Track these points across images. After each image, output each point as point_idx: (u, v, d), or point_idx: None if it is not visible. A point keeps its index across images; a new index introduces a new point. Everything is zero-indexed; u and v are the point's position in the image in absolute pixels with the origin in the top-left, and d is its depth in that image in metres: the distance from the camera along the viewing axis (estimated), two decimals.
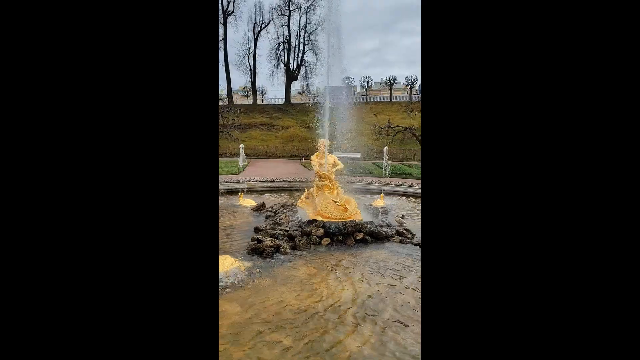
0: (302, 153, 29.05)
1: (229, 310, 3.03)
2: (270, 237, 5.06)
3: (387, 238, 5.24)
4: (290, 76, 41.56)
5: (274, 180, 12.01)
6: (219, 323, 2.79)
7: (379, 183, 12.41)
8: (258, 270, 3.98)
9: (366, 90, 42.37)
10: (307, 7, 40.64)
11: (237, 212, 7.38)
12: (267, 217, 6.67)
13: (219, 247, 4.88)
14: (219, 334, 2.63)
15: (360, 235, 5.12)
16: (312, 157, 6.88)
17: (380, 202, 8.63)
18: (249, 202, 8.37)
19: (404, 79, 41.71)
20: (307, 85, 42.70)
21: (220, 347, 2.46)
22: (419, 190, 11.02)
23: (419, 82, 41.60)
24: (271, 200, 8.87)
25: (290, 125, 36.34)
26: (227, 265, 3.89)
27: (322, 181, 6.25)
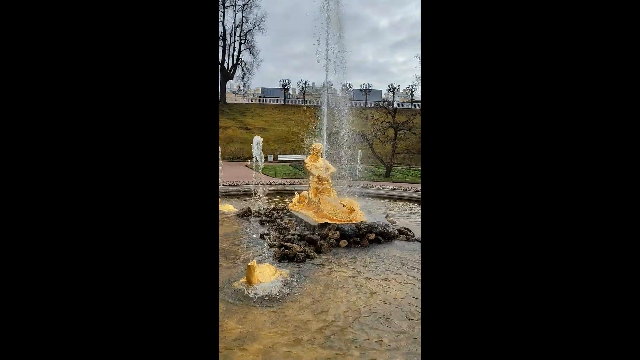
0: (246, 155, 28.15)
1: (305, 318, 2.96)
2: (286, 242, 4.97)
3: (394, 237, 5.57)
4: (226, 75, 39.86)
5: (237, 184, 11.50)
6: (307, 333, 2.73)
7: (341, 185, 12.82)
8: (297, 276, 3.92)
9: (304, 93, 42.92)
10: (243, 5, 39.52)
11: (221, 219, 6.95)
12: (262, 222, 6.45)
13: (236, 256, 4.62)
14: (313, 343, 2.59)
15: (372, 236, 5.35)
16: (306, 161, 6.88)
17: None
18: (229, 207, 7.93)
19: (339, 84, 43.35)
20: (244, 85, 41.48)
21: (330, 356, 2.44)
22: (380, 191, 11.74)
23: (352, 88, 43.71)
24: (248, 204, 8.54)
25: (228, 126, 34.81)
26: (271, 274, 3.75)
27: (322, 184, 6.31)
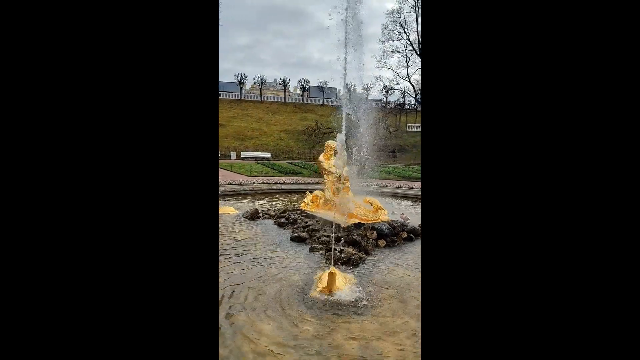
0: None
1: (405, 321, 2.87)
2: (320, 243, 4.80)
3: (420, 234, 5.68)
4: None
5: (221, 184, 10.80)
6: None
7: (317, 183, 12.77)
8: (364, 280, 3.79)
9: (260, 88, 41.81)
10: None
11: (230, 223, 6.47)
12: (280, 224, 6.13)
13: (280, 263, 4.32)
14: None
15: (404, 234, 5.40)
16: (321, 159, 6.67)
17: None
18: (230, 209, 7.42)
19: (297, 80, 43.16)
20: None
21: None
22: (364, 188, 11.89)
23: (309, 85, 43.63)
24: (246, 206, 8.07)
25: None
26: (343, 280, 3.56)
27: (343, 183, 6.18)
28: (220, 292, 3.32)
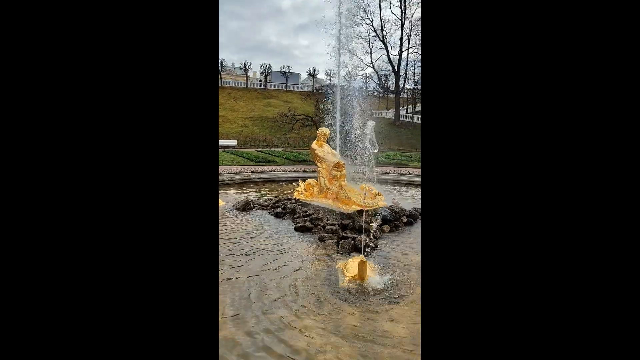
0: None
1: None
2: (329, 232, 4.79)
3: (417, 218, 5.88)
4: None
5: None
6: None
7: (296, 171, 12.66)
8: (384, 266, 3.86)
9: (220, 73, 39.89)
10: None
11: (228, 215, 6.19)
12: (278, 214, 5.99)
13: (295, 254, 4.24)
14: None
15: (405, 219, 5.55)
16: (314, 147, 6.55)
17: None
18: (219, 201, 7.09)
19: (259, 66, 41.83)
20: None
21: None
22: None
23: (271, 70, 42.48)
24: (231, 196, 7.76)
25: None
26: (370, 268, 3.59)
27: (340, 171, 6.15)
28: (247, 289, 3.19)
